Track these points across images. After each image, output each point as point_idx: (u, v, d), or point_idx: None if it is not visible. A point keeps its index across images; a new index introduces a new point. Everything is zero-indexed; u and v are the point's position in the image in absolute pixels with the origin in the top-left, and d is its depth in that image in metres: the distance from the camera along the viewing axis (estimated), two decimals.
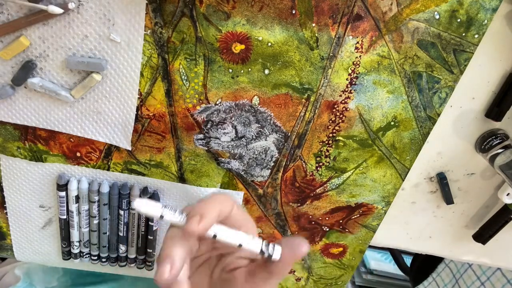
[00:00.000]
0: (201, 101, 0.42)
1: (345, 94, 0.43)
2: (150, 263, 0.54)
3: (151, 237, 0.51)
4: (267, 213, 0.51)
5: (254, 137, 0.45)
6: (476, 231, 0.55)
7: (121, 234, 0.50)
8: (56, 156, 0.45)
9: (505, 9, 0.40)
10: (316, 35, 0.39)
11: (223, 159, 0.46)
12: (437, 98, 0.44)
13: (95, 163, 0.46)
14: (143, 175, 0.47)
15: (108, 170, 0.46)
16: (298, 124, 0.44)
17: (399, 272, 1.23)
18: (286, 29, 0.39)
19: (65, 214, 0.48)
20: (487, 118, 0.46)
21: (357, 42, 0.40)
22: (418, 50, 0.41)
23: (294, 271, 0.59)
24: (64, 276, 0.64)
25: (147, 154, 0.45)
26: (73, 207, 0.48)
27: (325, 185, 0.49)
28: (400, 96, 0.43)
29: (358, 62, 0.41)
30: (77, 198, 0.47)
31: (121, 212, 0.48)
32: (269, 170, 0.48)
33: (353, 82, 0.42)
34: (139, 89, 0.41)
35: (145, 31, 0.38)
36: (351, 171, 0.48)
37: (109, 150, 0.45)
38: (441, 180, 0.50)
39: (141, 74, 0.40)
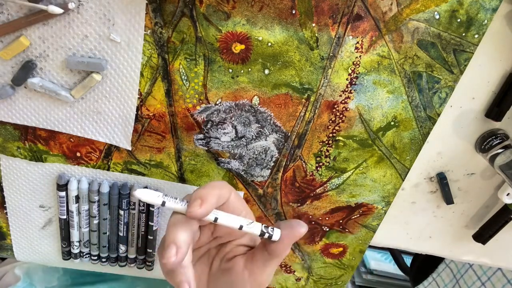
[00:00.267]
0: (201, 101, 0.42)
1: (345, 94, 0.43)
2: (150, 263, 0.54)
3: (151, 237, 0.51)
4: (267, 213, 0.51)
5: (254, 137, 0.45)
6: (476, 231, 0.55)
7: (121, 234, 0.50)
8: (56, 156, 0.45)
9: (505, 9, 0.39)
10: (316, 35, 0.39)
11: (223, 159, 0.46)
12: (437, 98, 0.44)
13: (95, 163, 0.46)
14: (143, 175, 0.47)
15: (108, 170, 0.46)
16: (298, 124, 0.44)
17: (399, 272, 1.23)
18: (286, 29, 0.39)
19: (65, 214, 0.48)
20: (487, 118, 0.46)
21: (357, 42, 0.40)
22: (418, 50, 0.41)
23: (294, 271, 0.59)
24: (64, 275, 0.64)
25: (147, 154, 0.45)
26: (73, 207, 0.48)
27: (325, 185, 0.49)
28: (400, 96, 0.43)
29: (358, 62, 0.41)
30: (77, 198, 0.47)
31: (121, 212, 0.48)
32: (269, 170, 0.48)
33: (353, 82, 0.42)
34: (139, 89, 0.41)
35: (145, 31, 0.38)
36: (351, 171, 0.48)
37: (109, 150, 0.45)
38: (441, 180, 0.50)
39: (141, 74, 0.40)
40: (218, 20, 0.38)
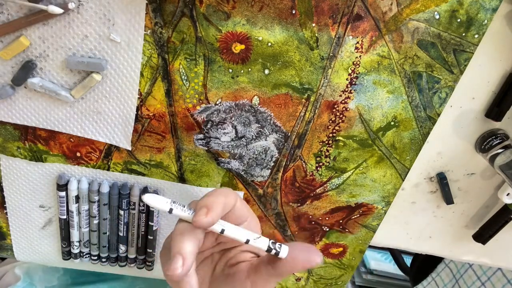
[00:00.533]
0: (201, 101, 0.42)
1: (345, 94, 0.43)
2: (150, 263, 0.54)
3: (151, 237, 0.51)
4: (267, 213, 0.51)
5: (254, 137, 0.45)
6: (476, 231, 0.55)
7: (121, 234, 0.50)
8: (56, 156, 0.45)
9: (505, 9, 0.39)
10: (316, 35, 0.39)
11: (223, 159, 0.46)
12: (437, 98, 0.44)
13: (95, 163, 0.46)
14: (143, 175, 0.47)
15: (108, 170, 0.46)
16: (298, 124, 0.44)
17: (399, 272, 1.23)
18: (286, 29, 0.39)
19: (65, 214, 0.48)
20: (487, 118, 0.46)
21: (357, 42, 0.40)
22: (418, 50, 0.41)
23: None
24: (64, 275, 0.64)
25: (147, 154, 0.45)
26: (73, 207, 0.48)
27: (325, 185, 0.49)
28: (400, 96, 0.43)
29: (358, 62, 0.41)
30: (77, 198, 0.47)
31: (121, 212, 0.48)
32: (269, 170, 0.48)
33: (353, 82, 0.42)
34: (139, 89, 0.41)
35: (145, 31, 0.38)
36: (351, 171, 0.48)
37: (109, 150, 0.45)
38: (441, 180, 0.50)
39: (141, 74, 0.40)
40: (218, 20, 0.38)
